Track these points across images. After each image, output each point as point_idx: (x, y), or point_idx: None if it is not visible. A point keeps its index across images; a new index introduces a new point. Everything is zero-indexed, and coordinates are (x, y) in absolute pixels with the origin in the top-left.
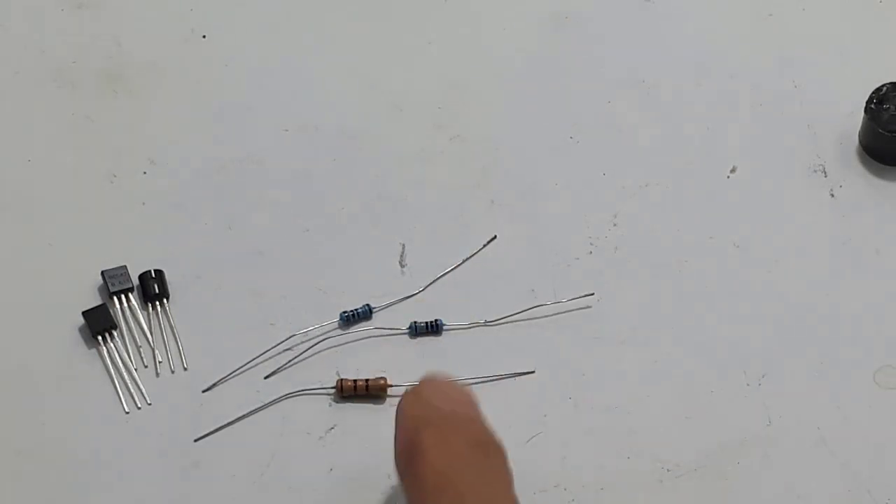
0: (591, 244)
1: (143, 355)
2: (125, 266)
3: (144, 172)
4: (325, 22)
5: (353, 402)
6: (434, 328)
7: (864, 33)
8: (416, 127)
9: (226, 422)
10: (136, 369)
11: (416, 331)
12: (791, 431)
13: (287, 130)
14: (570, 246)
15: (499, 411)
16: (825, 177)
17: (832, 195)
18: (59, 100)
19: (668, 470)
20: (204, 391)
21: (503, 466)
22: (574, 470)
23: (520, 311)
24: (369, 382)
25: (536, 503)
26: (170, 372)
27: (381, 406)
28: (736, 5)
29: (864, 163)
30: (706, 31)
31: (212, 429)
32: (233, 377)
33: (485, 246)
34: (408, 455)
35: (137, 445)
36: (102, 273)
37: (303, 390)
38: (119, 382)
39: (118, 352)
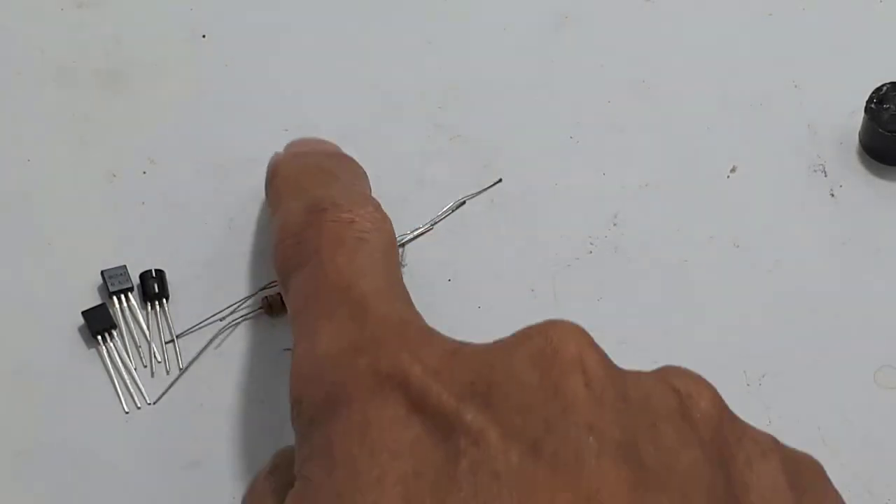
0: (591, 244)
1: (142, 355)
2: (125, 266)
3: (144, 172)
4: (325, 22)
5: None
6: None
7: (865, 33)
8: (416, 127)
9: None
10: (135, 369)
11: None
12: (791, 431)
13: (287, 130)
14: (570, 246)
15: None
16: (825, 176)
17: (832, 195)
18: (59, 99)
19: None
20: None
21: (357, 170)
22: None
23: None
24: None
25: None
26: (168, 372)
27: None
28: (736, 5)
29: (864, 163)
30: (706, 30)
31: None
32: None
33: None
34: (268, 184)
35: (137, 445)
36: (102, 273)
37: (234, 320)
38: (119, 382)
39: (117, 352)
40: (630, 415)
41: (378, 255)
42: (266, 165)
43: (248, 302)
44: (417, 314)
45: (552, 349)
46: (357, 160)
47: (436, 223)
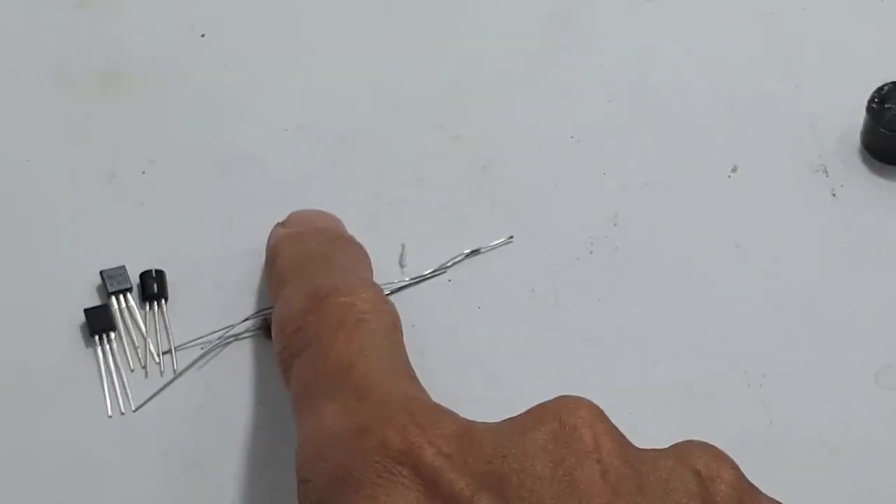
0: (591, 244)
1: (140, 356)
2: (124, 266)
3: (143, 172)
4: (325, 22)
5: None
6: None
7: (866, 32)
8: (416, 127)
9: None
10: (133, 370)
11: None
12: (792, 432)
13: (287, 130)
14: (570, 246)
15: (498, 412)
16: (826, 176)
17: (833, 195)
18: (58, 99)
19: None
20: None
21: (359, 255)
22: None
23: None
24: None
25: None
26: (162, 374)
27: None
28: (736, 4)
29: (865, 162)
30: (706, 30)
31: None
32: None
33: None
34: (268, 264)
35: (136, 446)
36: (101, 273)
37: (230, 336)
38: (118, 383)
39: (115, 353)
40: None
41: (379, 335)
42: (266, 165)
43: (247, 323)
44: (424, 391)
45: (566, 435)
46: (358, 242)
47: (447, 268)
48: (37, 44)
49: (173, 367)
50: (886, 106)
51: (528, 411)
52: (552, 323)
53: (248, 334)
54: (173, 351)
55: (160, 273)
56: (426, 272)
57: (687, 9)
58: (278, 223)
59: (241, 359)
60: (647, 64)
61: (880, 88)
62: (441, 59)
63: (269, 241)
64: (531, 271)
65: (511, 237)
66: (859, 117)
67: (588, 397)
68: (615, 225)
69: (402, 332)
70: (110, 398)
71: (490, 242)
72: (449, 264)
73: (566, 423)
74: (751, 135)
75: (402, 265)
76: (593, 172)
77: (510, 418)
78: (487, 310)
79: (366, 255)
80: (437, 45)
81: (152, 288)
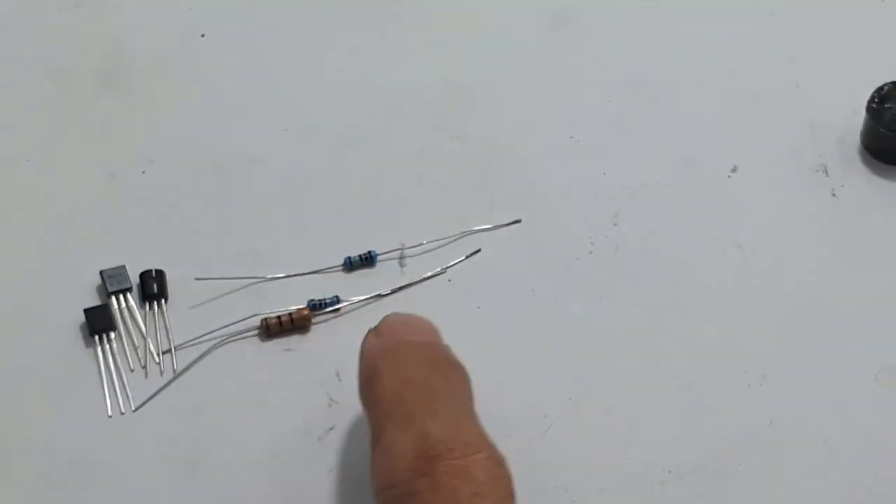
0: (591, 244)
1: (140, 356)
2: (124, 266)
3: (143, 172)
4: (325, 22)
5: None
6: None
7: (866, 32)
8: (416, 127)
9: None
10: (132, 370)
11: None
12: (792, 432)
13: (287, 130)
14: (570, 246)
15: (498, 412)
16: (826, 176)
17: (834, 195)
18: (58, 99)
19: (668, 471)
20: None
21: (461, 383)
22: (574, 470)
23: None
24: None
25: (536, 503)
26: (162, 374)
27: None
28: (736, 4)
29: (865, 162)
30: (706, 30)
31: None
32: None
33: (468, 257)
34: (367, 382)
35: (136, 446)
36: (101, 273)
37: (229, 336)
38: (118, 382)
39: (115, 352)
40: None
41: None
42: (266, 165)
43: (247, 323)
44: None
45: None
46: (461, 365)
47: (447, 268)
48: (37, 44)
49: (173, 366)
50: (886, 106)
51: None
52: (552, 323)
53: (248, 334)
54: (173, 351)
55: (160, 273)
56: (426, 272)
57: (687, 9)
58: (371, 330)
59: (241, 359)
60: (647, 64)
61: (880, 88)
62: (441, 59)
63: (362, 353)
64: (531, 271)
65: (518, 220)
66: (859, 117)
67: (588, 397)
68: (615, 225)
69: (514, 498)
70: (110, 398)
71: (490, 242)
72: (449, 264)
73: None
74: (751, 135)
75: (402, 265)
76: (593, 172)
77: None
78: (487, 310)
79: (467, 379)
80: (437, 45)
81: (152, 288)
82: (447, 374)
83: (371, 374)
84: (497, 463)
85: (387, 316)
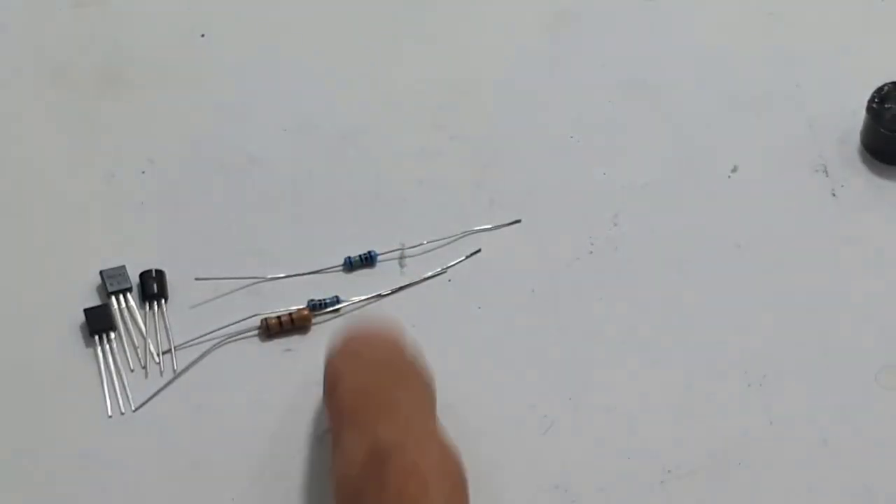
0: (591, 244)
1: (140, 356)
2: (124, 266)
3: (143, 172)
4: (325, 22)
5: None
6: None
7: (866, 32)
8: (416, 127)
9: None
10: (132, 370)
11: None
12: (792, 432)
13: (287, 130)
14: (570, 246)
15: (499, 411)
16: (827, 176)
17: (834, 195)
18: (58, 99)
19: (668, 470)
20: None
21: (420, 388)
22: (574, 470)
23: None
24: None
25: (536, 503)
26: (162, 374)
27: None
28: (736, 5)
29: (865, 162)
30: (707, 30)
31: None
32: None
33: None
34: (330, 388)
35: (136, 445)
36: (101, 273)
37: (229, 336)
38: (118, 383)
39: (115, 352)
40: None
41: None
42: (266, 165)
43: (247, 323)
44: None
45: None
46: (423, 370)
47: (448, 268)
48: (37, 44)
49: (173, 366)
50: (886, 106)
51: None
52: (552, 323)
53: (248, 334)
54: (173, 351)
55: (160, 273)
56: (426, 272)
57: (687, 9)
58: (336, 337)
59: (241, 359)
60: (647, 64)
61: (880, 89)
62: (441, 59)
63: (327, 360)
64: (531, 271)
65: (518, 220)
66: (859, 117)
67: (588, 397)
68: (615, 225)
69: (465, 490)
70: (110, 398)
71: (490, 242)
72: (449, 264)
73: None
74: (751, 135)
75: (402, 265)
76: (593, 172)
77: None
78: (487, 310)
79: (430, 387)
80: (437, 45)
81: (152, 288)
82: (406, 380)
83: (333, 381)
84: (446, 456)
85: (352, 323)
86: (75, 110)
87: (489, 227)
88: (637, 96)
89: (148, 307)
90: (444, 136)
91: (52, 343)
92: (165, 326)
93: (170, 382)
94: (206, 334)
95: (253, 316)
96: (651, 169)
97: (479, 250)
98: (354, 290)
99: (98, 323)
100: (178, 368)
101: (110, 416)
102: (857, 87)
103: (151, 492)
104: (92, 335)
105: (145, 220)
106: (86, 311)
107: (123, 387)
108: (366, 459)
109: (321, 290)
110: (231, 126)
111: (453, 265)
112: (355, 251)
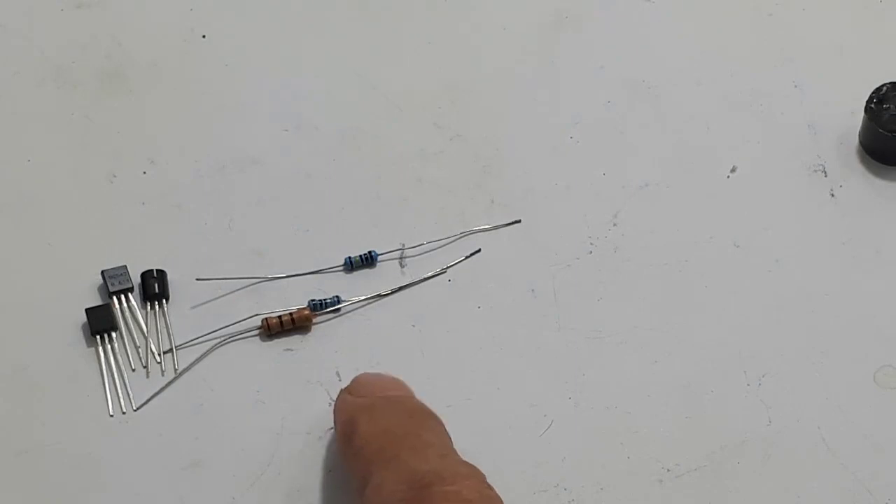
0: (591, 244)
1: (141, 356)
2: (125, 266)
3: (144, 172)
4: (325, 22)
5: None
6: None
7: (865, 33)
8: (416, 127)
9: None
10: (134, 370)
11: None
12: (791, 431)
13: (287, 130)
14: (570, 246)
15: (498, 412)
16: (825, 177)
17: (832, 195)
18: (59, 100)
19: (668, 470)
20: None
21: (439, 429)
22: (574, 470)
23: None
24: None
25: (536, 503)
26: (163, 374)
27: None
28: (736, 5)
29: (864, 163)
30: (706, 30)
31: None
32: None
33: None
34: (345, 438)
35: (137, 445)
36: (102, 273)
37: (230, 336)
38: (119, 382)
39: (116, 352)
40: None
41: None
42: (266, 165)
43: (247, 323)
44: None
45: None
46: (436, 415)
47: (447, 268)
48: (37, 44)
49: (174, 366)
50: (885, 106)
51: None
52: (552, 323)
53: (248, 334)
54: (174, 350)
55: (161, 273)
56: (426, 272)
57: (686, 9)
58: (343, 390)
59: (241, 359)
60: (647, 64)
61: (878, 89)
62: (441, 59)
63: (337, 411)
64: (531, 271)
65: (518, 220)
66: (858, 118)
67: (588, 397)
68: (615, 225)
69: None
70: (111, 398)
71: (490, 242)
72: (449, 264)
73: None
74: (750, 135)
75: (402, 265)
76: (593, 172)
77: None
78: (487, 310)
79: (444, 427)
80: (437, 45)
81: (153, 288)
82: (425, 421)
83: (349, 430)
84: (487, 486)
85: (359, 375)
86: (75, 110)
87: (489, 227)
88: (637, 96)
89: (149, 307)
90: (444, 136)
91: (53, 343)
92: (167, 326)
93: (171, 382)
94: (206, 334)
95: (254, 316)
96: (651, 169)
97: (479, 250)
98: (355, 289)
99: (99, 323)
100: (180, 368)
101: (112, 416)
102: (856, 87)
103: (153, 490)
104: (93, 335)
105: (146, 221)
106: (87, 310)
107: (125, 386)
108: (406, 489)
109: (322, 290)
110: (231, 126)
111: (453, 265)
112: (356, 251)
